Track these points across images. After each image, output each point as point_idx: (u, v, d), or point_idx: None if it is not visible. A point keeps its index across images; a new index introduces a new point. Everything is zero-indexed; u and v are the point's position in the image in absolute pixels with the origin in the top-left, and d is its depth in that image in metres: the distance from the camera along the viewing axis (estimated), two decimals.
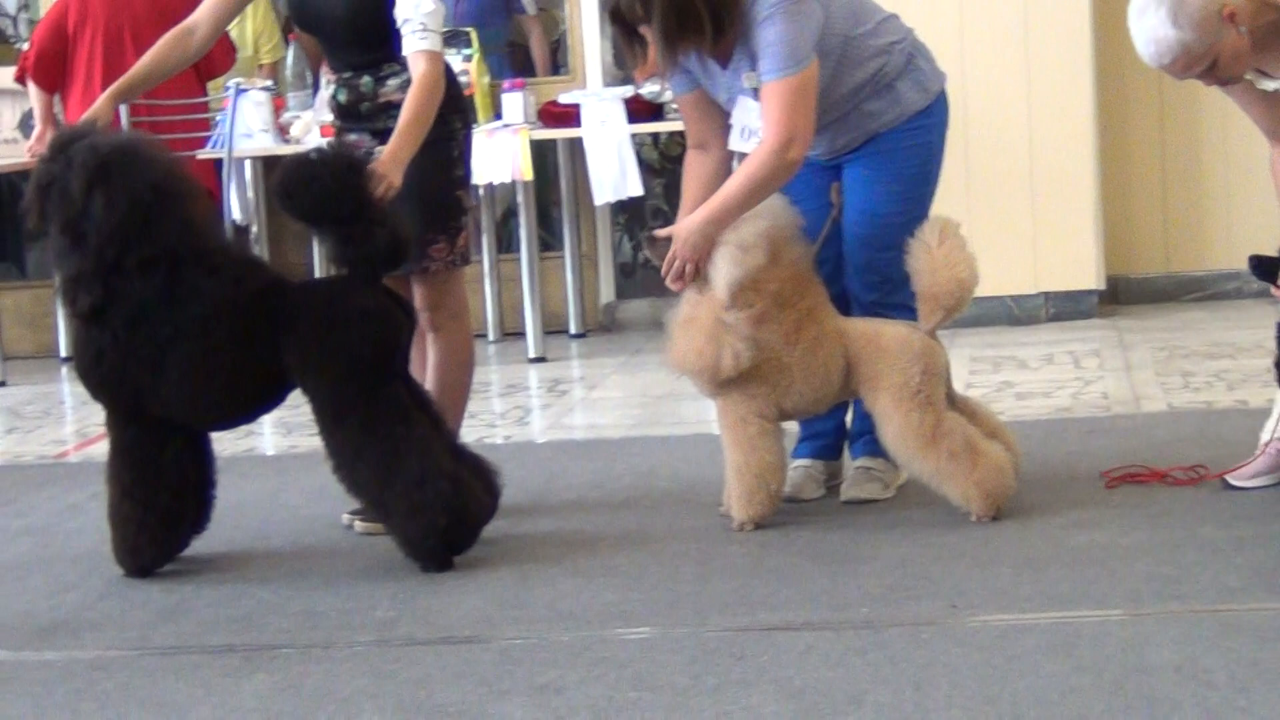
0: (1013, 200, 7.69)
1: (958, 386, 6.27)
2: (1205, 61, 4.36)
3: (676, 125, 7.24)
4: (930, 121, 4.87)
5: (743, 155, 4.72)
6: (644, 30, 4.61)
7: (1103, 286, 7.82)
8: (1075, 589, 4.03)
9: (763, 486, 4.64)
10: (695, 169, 4.86)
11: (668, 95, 7.01)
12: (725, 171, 4.80)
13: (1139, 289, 8.03)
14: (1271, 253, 4.49)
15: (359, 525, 4.84)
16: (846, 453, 5.05)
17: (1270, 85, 4.55)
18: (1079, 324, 7.63)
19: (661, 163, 8.28)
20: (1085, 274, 7.75)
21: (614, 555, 4.54)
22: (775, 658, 3.69)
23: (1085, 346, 7.13)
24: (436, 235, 4.84)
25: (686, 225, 4.59)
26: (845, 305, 4.83)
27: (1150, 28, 4.32)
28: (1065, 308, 7.77)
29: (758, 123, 4.64)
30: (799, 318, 4.64)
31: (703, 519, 4.79)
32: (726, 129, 4.81)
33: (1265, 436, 4.80)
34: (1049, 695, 3.38)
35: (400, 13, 4.69)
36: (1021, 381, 6.54)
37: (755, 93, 4.63)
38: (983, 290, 7.61)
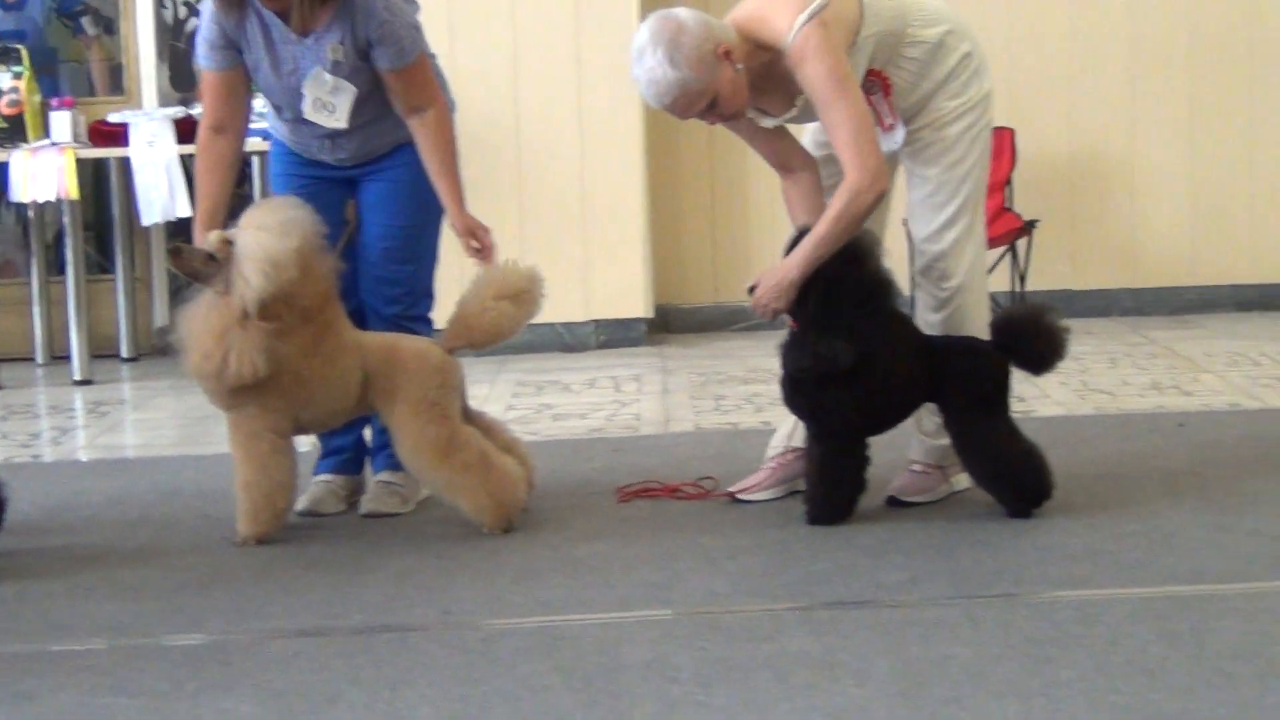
0: (565, 229, 7.85)
1: (500, 410, 6.42)
2: (705, 100, 4.54)
3: None
4: None
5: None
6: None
7: (651, 315, 8.02)
8: (568, 595, 4.13)
9: (269, 505, 4.64)
10: (215, 152, 4.83)
11: None
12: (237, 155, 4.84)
13: (687, 318, 8.26)
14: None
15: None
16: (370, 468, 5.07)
17: (770, 122, 4.75)
18: (627, 351, 7.82)
19: None
20: (634, 303, 7.94)
21: (119, 570, 4.48)
22: (261, 663, 3.70)
23: (629, 372, 7.31)
24: None
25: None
26: (360, 319, 4.86)
27: (649, 69, 4.48)
28: (615, 335, 7.95)
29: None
30: (318, 330, 4.65)
31: (218, 533, 4.75)
32: (249, 114, 4.84)
33: (771, 452, 5.01)
34: (519, 693, 3.46)
35: None
36: (561, 404, 6.67)
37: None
38: (536, 318, 7.90)
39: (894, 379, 4.66)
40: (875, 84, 4.65)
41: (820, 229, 4.53)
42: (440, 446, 4.64)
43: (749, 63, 4.56)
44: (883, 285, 4.66)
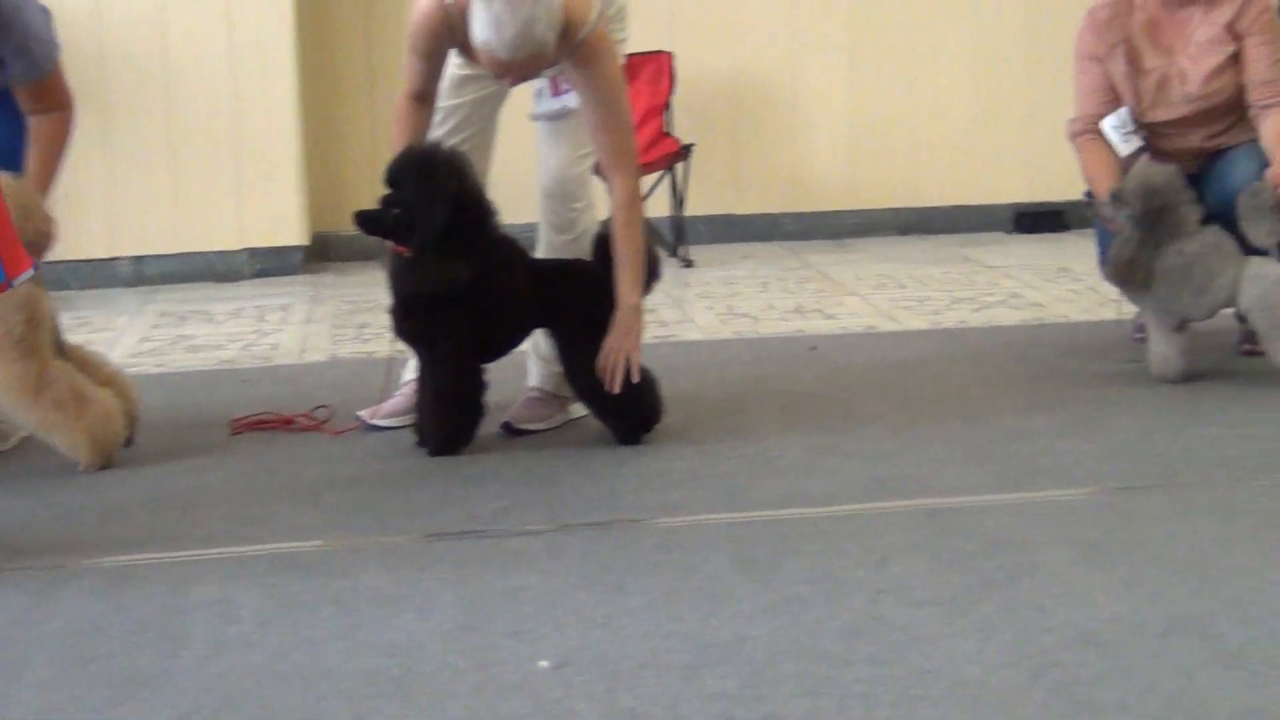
0: (217, 157, 7.59)
1: (134, 342, 6.21)
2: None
3: None
4: None
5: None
6: None
7: (308, 242, 7.84)
8: (152, 533, 3.99)
9: None
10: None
11: None
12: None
13: (346, 246, 8.07)
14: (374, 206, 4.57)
15: None
16: None
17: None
18: (283, 280, 7.62)
19: None
20: (290, 230, 7.74)
21: None
22: None
23: (278, 302, 7.12)
24: None
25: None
26: None
27: (525, 20, 4.27)
28: (271, 264, 7.74)
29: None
30: None
31: None
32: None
33: (408, 375, 4.91)
34: (68, 638, 3.31)
35: None
36: (201, 335, 6.47)
37: None
38: (187, 246, 7.69)
39: (507, 302, 4.59)
40: None
41: (629, 248, 4.52)
42: (29, 383, 4.44)
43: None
44: (489, 207, 4.59)
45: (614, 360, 4.51)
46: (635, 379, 4.53)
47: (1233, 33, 5.37)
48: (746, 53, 8.37)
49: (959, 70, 8.50)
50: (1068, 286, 6.92)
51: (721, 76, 8.32)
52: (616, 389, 4.52)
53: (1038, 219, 8.50)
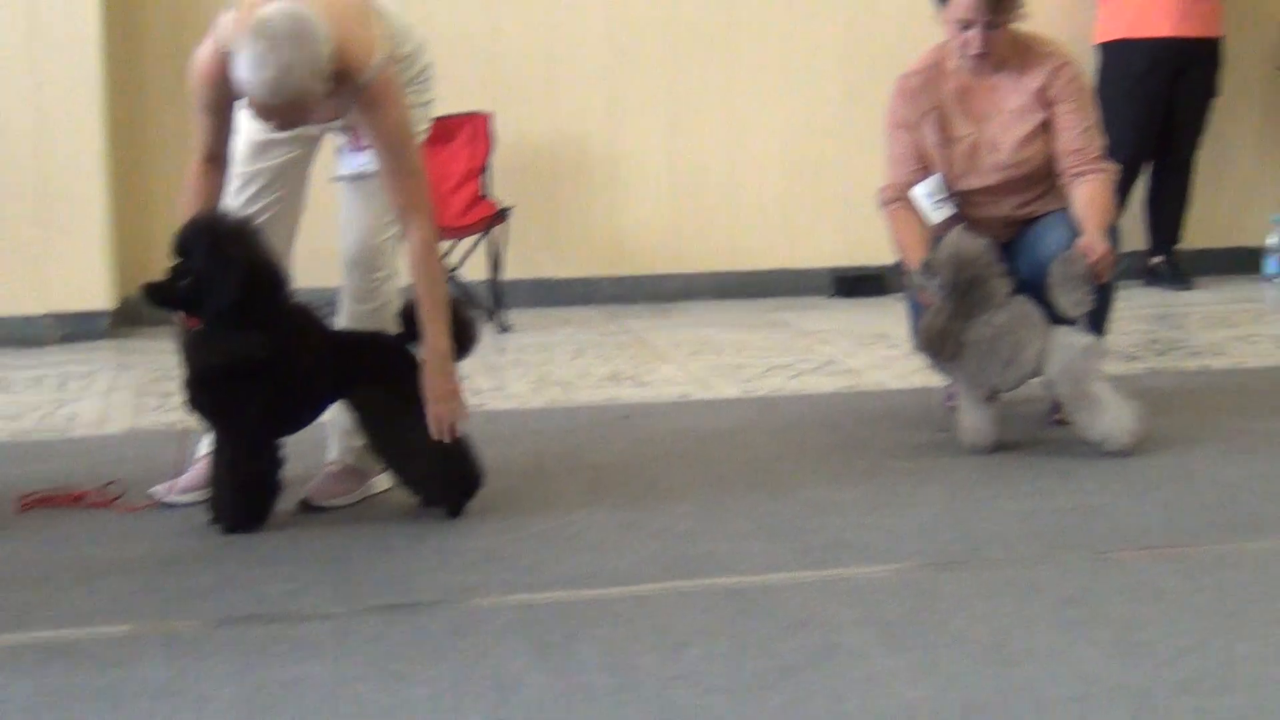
0: (19, 219, 7.40)
1: None
2: (308, 113, 4.32)
3: None
4: None
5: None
6: None
7: (116, 306, 7.64)
8: None
9: None
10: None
11: None
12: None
13: (157, 310, 7.85)
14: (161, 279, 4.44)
15: None
16: None
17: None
18: (88, 346, 7.42)
19: None
20: (96, 293, 7.54)
21: None
22: None
23: (81, 369, 6.92)
24: None
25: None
26: None
27: (283, 66, 4.13)
28: (77, 329, 7.54)
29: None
30: None
31: None
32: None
33: (203, 450, 4.75)
34: None
35: None
36: None
37: None
38: None
39: (303, 375, 4.46)
40: None
41: (431, 294, 4.41)
42: None
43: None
44: (283, 277, 4.47)
45: (437, 413, 4.40)
46: (457, 434, 4.43)
47: (1043, 100, 5.38)
48: (566, 114, 8.31)
49: (778, 134, 8.51)
50: (883, 352, 6.90)
51: (541, 138, 8.26)
52: (450, 437, 4.40)
53: (857, 283, 8.52)
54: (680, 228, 8.47)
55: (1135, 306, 8.14)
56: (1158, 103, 8.54)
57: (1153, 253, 8.91)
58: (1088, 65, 8.56)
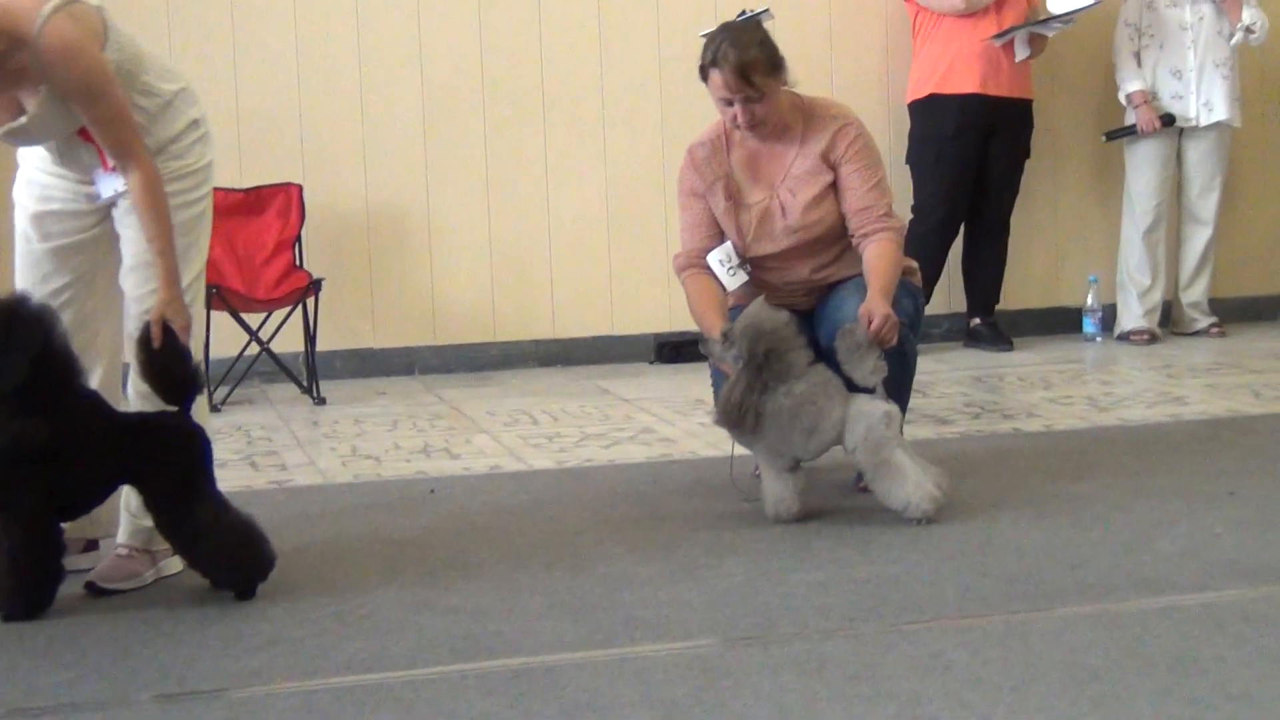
0: None
1: None
2: None
3: None
4: None
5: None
6: None
7: None
8: None
9: None
10: None
11: None
12: None
13: None
14: None
15: None
16: None
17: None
18: None
19: None
20: None
21: None
22: None
23: None
24: None
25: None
26: None
27: None
28: None
29: None
30: None
31: None
32: None
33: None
34: None
35: None
36: None
37: None
38: None
39: (86, 459, 4.35)
40: None
41: (155, 231, 4.39)
42: None
43: None
44: (74, 363, 4.37)
45: (155, 314, 4.38)
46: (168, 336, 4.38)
47: (828, 162, 5.40)
48: (380, 183, 8.26)
49: (595, 199, 8.51)
50: (699, 419, 6.89)
51: (355, 207, 8.19)
52: (159, 341, 4.36)
53: (679, 348, 8.51)
54: (499, 295, 8.43)
55: (954, 368, 8.20)
56: (970, 162, 8.65)
57: (972, 314, 8.99)
58: (903, 126, 8.66)
